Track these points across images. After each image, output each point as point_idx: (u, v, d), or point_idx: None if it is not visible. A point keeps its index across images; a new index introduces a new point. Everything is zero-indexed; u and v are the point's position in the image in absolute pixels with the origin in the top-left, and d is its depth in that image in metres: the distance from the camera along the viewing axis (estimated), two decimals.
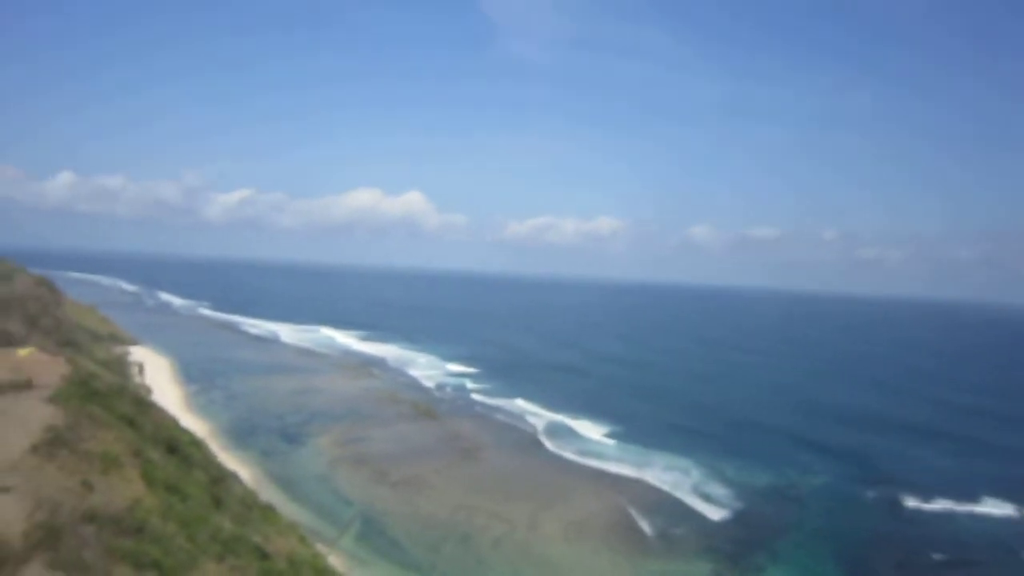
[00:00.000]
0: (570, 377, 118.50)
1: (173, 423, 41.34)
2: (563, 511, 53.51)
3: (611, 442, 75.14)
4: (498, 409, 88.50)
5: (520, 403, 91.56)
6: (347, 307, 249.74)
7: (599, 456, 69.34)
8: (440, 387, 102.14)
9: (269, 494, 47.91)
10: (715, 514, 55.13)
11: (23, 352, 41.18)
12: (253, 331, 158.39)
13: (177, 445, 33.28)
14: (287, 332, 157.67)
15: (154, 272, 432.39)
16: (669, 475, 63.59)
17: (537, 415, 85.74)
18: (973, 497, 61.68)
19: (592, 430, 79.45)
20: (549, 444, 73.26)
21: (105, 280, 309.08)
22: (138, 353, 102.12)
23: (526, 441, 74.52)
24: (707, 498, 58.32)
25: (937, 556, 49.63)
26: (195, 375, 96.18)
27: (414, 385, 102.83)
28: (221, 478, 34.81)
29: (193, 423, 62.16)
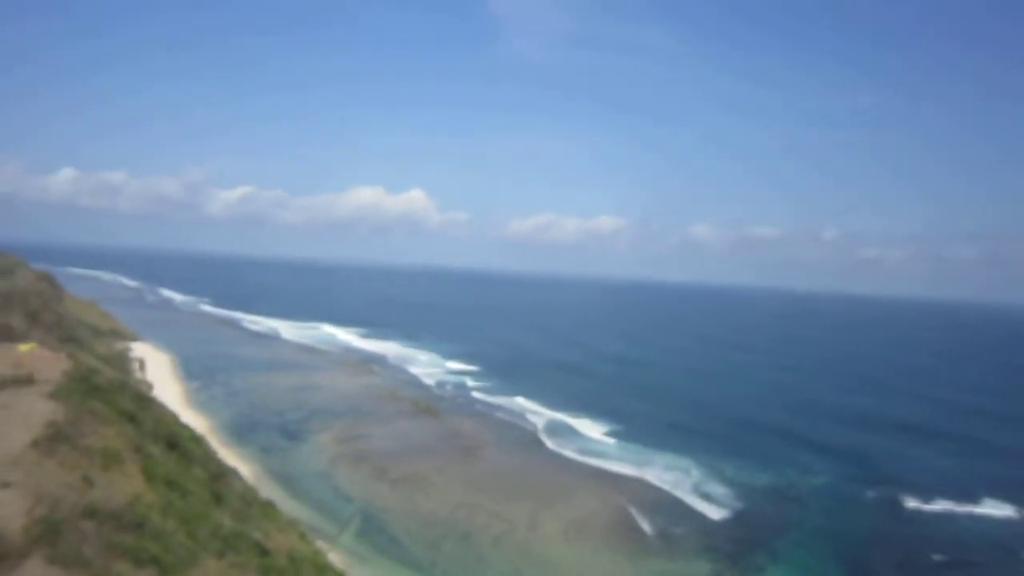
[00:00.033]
0: (571, 375, 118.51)
1: (173, 419, 41.32)
2: (563, 510, 53.52)
3: (611, 441, 75.14)
4: (498, 407, 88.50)
5: (520, 401, 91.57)
6: (348, 304, 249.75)
7: (599, 455, 69.34)
8: (441, 385, 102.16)
9: (269, 491, 47.90)
10: (715, 513, 55.13)
11: (24, 347, 41.19)
12: (254, 328, 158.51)
13: (177, 441, 33.28)
14: (288, 329, 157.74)
15: (155, 268, 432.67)
16: (669, 474, 63.58)
17: (537, 413, 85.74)
18: (973, 497, 61.66)
19: (592, 429, 79.45)
20: (549, 442, 73.26)
21: (106, 276, 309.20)
22: (139, 349, 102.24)
23: (526, 439, 74.52)
24: (707, 497, 58.31)
25: (937, 556, 49.61)
26: (196, 371, 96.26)
27: (415, 382, 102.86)
28: (221, 474, 34.80)
29: (193, 419, 62.20)
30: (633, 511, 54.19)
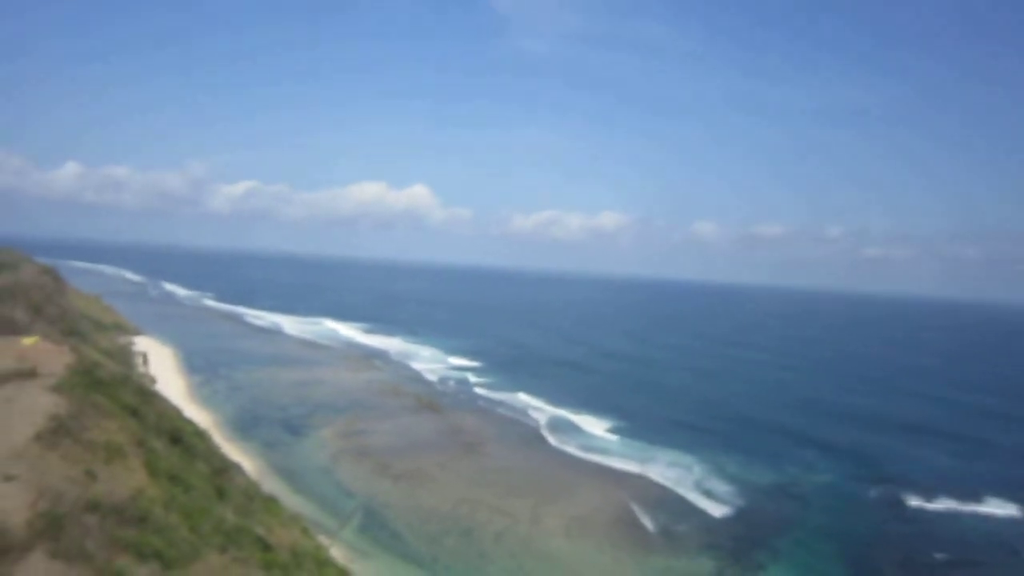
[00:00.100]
0: (573, 372, 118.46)
1: (176, 413, 41.37)
2: (565, 506, 53.50)
3: (614, 437, 75.09)
4: (501, 403, 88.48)
5: (523, 397, 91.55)
6: (351, 300, 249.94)
7: (602, 451, 69.30)
8: (443, 380, 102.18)
9: (272, 485, 47.95)
10: (717, 511, 55.06)
11: (28, 341, 41.19)
12: (257, 322, 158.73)
13: (180, 435, 33.28)
14: (291, 324, 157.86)
15: (159, 262, 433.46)
16: (672, 471, 63.52)
17: (540, 410, 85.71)
18: (976, 497, 61.48)
19: (595, 425, 79.38)
20: (552, 439, 73.24)
21: (109, 270, 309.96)
22: (142, 343, 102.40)
23: (529, 436, 74.50)
24: (709, 495, 58.24)
25: (940, 556, 49.49)
26: (199, 365, 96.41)
27: (417, 378, 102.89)
28: (224, 469, 34.83)
29: (196, 413, 62.21)
30: (635, 508, 54.16)
